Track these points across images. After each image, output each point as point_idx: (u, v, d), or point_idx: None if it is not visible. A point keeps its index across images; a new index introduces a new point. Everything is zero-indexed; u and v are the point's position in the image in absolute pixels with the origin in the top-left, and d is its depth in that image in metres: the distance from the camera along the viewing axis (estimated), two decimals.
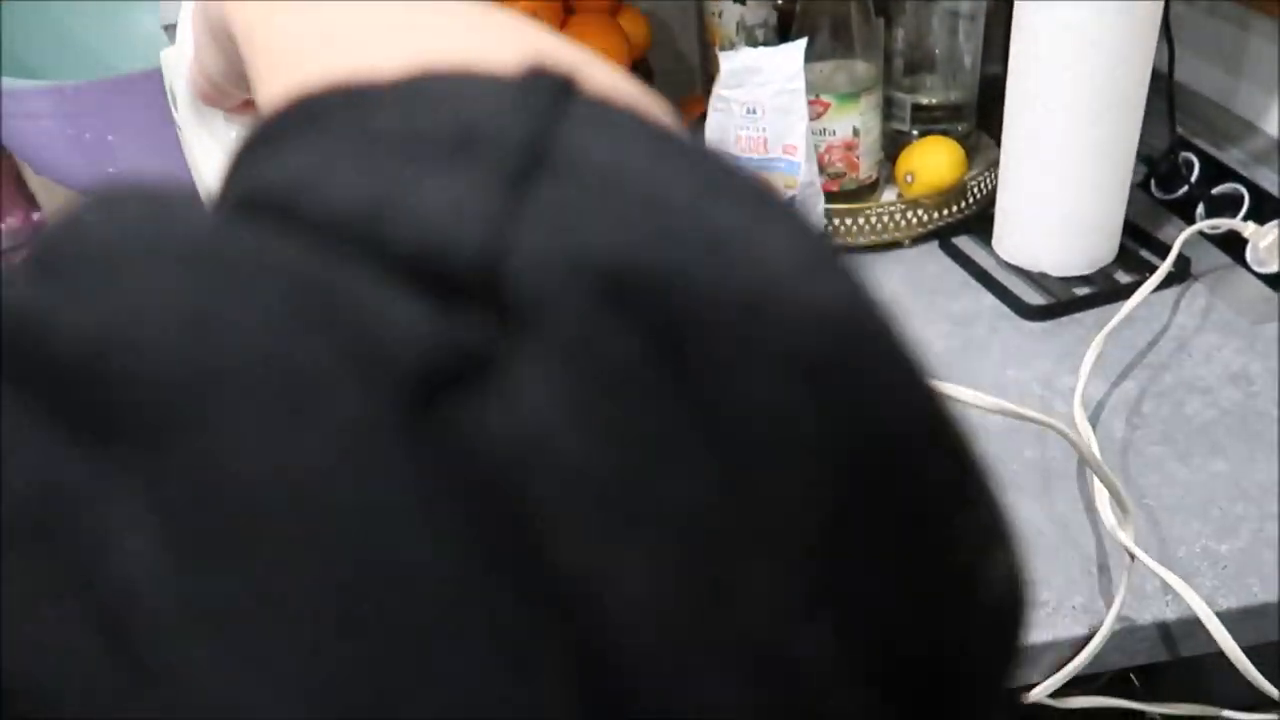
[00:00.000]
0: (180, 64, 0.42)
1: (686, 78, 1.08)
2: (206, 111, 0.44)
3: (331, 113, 0.17)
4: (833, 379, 0.15)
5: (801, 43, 0.74)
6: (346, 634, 0.12)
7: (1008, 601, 0.17)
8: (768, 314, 0.14)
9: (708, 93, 0.99)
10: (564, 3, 0.85)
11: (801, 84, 0.74)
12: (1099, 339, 0.66)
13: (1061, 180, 0.73)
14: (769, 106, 0.75)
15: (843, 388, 0.15)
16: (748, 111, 0.76)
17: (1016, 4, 0.71)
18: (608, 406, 0.14)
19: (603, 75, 0.18)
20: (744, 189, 0.16)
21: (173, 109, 0.44)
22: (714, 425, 0.14)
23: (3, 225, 1.02)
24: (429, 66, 0.18)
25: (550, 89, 0.17)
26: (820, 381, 0.14)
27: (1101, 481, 0.53)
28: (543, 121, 0.16)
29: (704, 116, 1.00)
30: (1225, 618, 0.52)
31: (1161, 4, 0.68)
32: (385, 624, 0.12)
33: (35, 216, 1.05)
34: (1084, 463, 0.59)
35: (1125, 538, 0.52)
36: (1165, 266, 0.72)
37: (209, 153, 0.44)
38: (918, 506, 0.15)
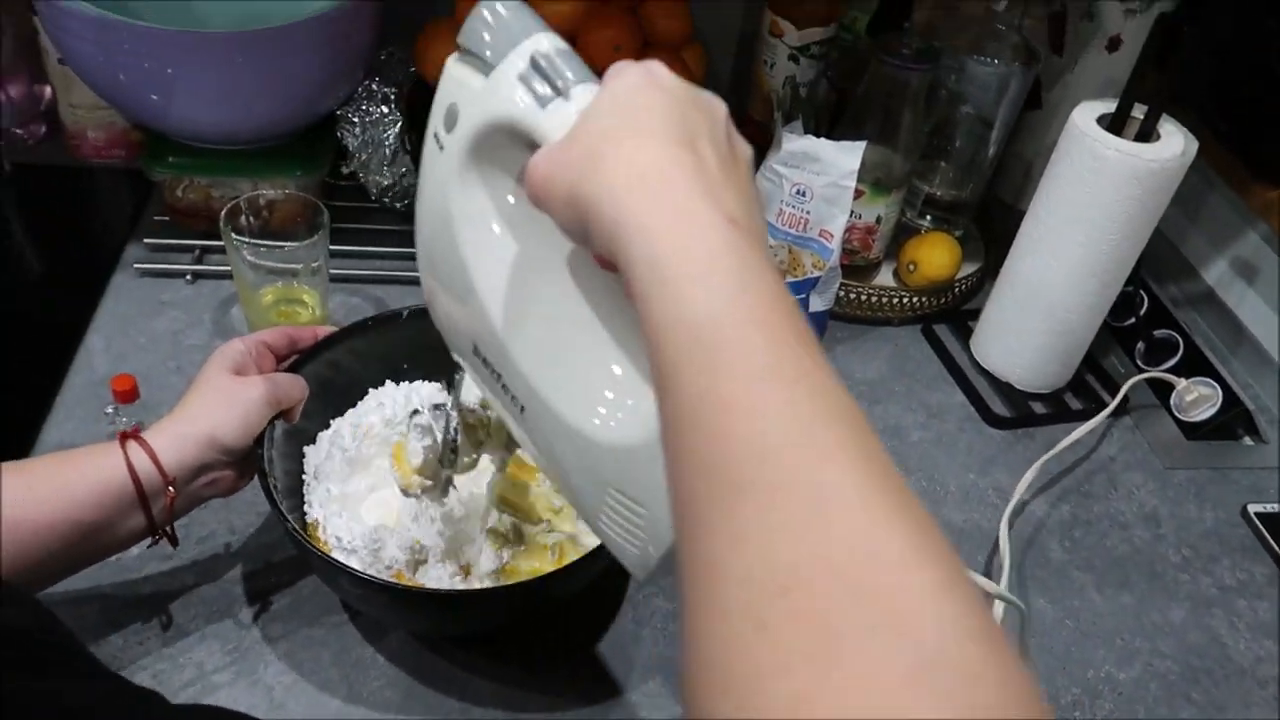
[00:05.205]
0: (486, 105, 0.39)
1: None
2: (489, 169, 0.41)
3: None
4: None
5: (862, 145, 0.80)
6: None
7: None
8: None
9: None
10: (644, 37, 0.88)
11: (853, 183, 0.81)
12: (1038, 465, 0.79)
13: (1048, 318, 0.84)
14: (818, 194, 0.82)
15: None
16: (797, 193, 0.82)
17: (1056, 153, 0.80)
18: None
19: None
20: None
21: (441, 129, 0.41)
22: None
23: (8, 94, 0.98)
24: None
25: None
26: None
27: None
28: None
29: None
30: None
31: (1175, 187, 0.78)
32: None
33: (37, 89, 1.01)
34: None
35: None
36: (1111, 406, 0.85)
37: (459, 188, 0.42)
38: None
